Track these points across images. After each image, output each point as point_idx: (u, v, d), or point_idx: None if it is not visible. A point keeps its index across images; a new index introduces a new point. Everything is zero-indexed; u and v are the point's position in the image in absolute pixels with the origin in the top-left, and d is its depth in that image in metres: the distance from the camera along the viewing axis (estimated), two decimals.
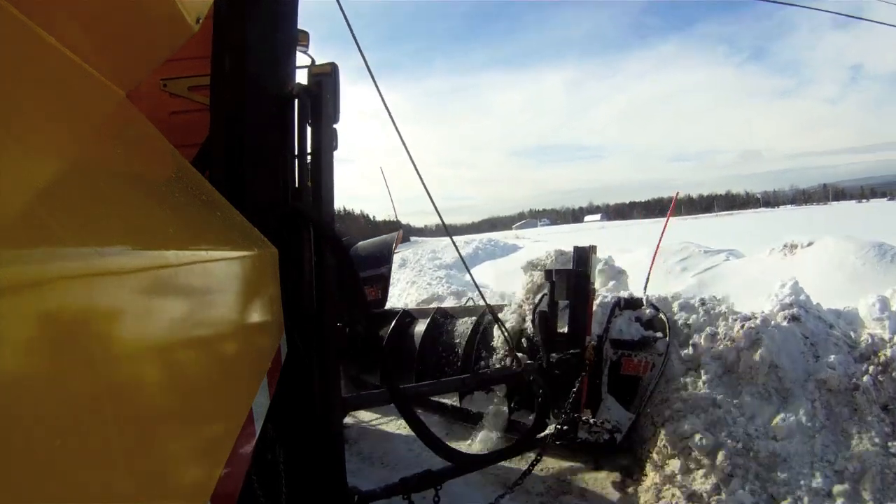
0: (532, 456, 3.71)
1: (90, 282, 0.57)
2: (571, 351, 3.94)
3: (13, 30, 0.80)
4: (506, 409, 4.68)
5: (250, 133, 2.46)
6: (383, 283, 7.66)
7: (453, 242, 4.18)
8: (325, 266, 2.62)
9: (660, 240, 5.37)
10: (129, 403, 0.65)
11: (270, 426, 1.97)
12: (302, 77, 2.77)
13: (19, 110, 0.72)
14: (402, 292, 9.72)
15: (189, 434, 0.87)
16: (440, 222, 3.44)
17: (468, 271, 4.19)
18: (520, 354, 4.34)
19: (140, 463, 0.66)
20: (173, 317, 0.84)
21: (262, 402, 1.44)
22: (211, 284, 1.06)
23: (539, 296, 4.79)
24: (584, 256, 4.14)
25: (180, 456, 0.83)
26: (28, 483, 0.44)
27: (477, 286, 4.21)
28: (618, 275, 5.72)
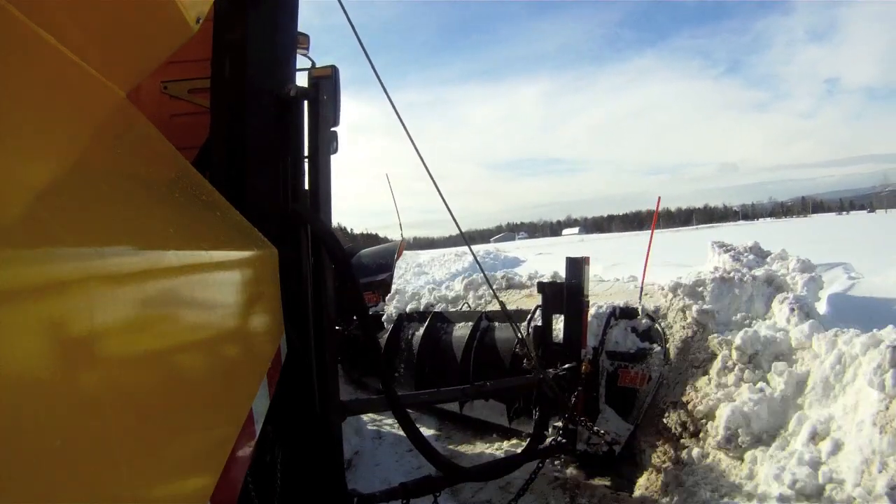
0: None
1: (91, 282, 0.57)
2: (567, 365, 3.89)
3: (13, 30, 0.80)
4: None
5: (250, 135, 2.46)
6: (384, 289, 7.78)
7: (472, 253, 4.16)
8: (323, 268, 2.61)
9: (649, 248, 5.33)
10: (128, 404, 0.64)
11: (270, 427, 1.97)
12: (302, 80, 2.77)
13: (19, 110, 0.71)
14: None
15: (189, 435, 0.87)
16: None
17: (487, 281, 4.17)
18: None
19: (139, 464, 0.66)
20: (174, 317, 0.83)
21: (262, 402, 1.43)
22: (211, 285, 1.06)
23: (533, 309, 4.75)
24: (576, 268, 4.04)
25: (180, 457, 0.82)
26: (28, 484, 0.44)
27: (497, 296, 4.14)
28: (811, 269, 4.69)
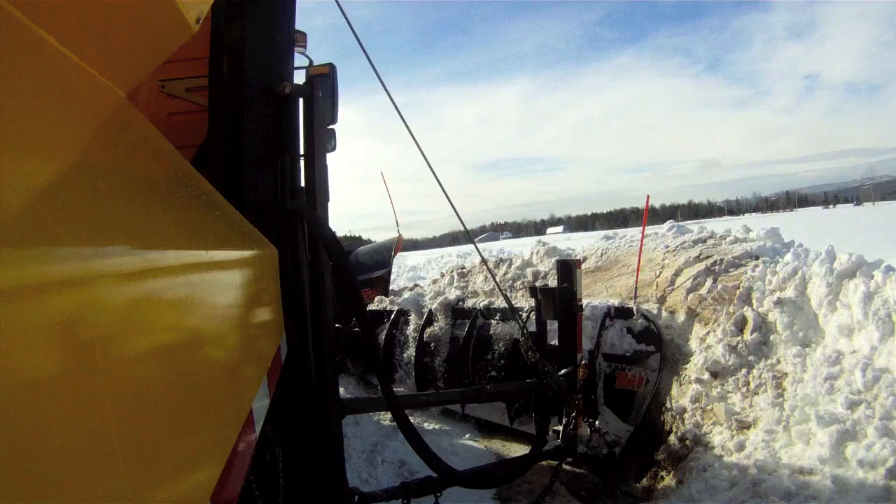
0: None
1: (90, 282, 0.57)
2: (563, 371, 3.84)
3: (13, 30, 0.80)
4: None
5: (248, 133, 2.46)
6: (383, 285, 7.85)
7: (478, 250, 4.15)
8: (321, 266, 2.62)
9: (640, 247, 5.33)
10: (128, 404, 0.64)
11: (270, 427, 1.97)
12: (301, 78, 2.76)
13: (19, 110, 0.71)
14: None
15: (189, 435, 0.87)
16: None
17: (494, 280, 4.17)
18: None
19: (139, 464, 0.66)
20: (173, 317, 0.83)
21: (262, 402, 1.43)
22: (211, 284, 1.06)
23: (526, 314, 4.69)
24: (568, 271, 3.92)
25: (180, 457, 0.82)
26: (27, 483, 0.44)
27: (508, 300, 4.10)
28: None
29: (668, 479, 3.72)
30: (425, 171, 3.03)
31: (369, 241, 10.02)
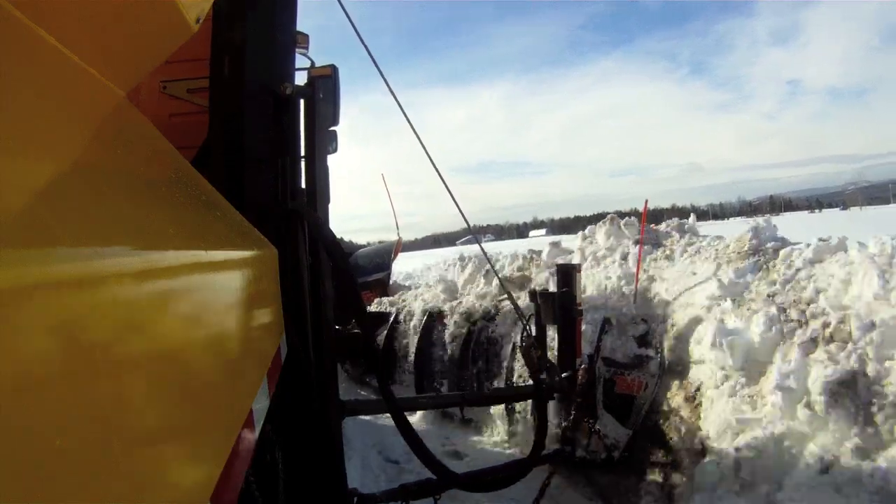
0: None
1: (90, 282, 0.57)
2: (563, 375, 3.80)
3: (13, 30, 0.80)
4: None
5: (248, 134, 2.46)
6: (382, 287, 7.89)
7: (485, 253, 4.15)
8: (321, 267, 2.62)
9: (640, 250, 5.32)
10: (128, 404, 0.64)
11: (269, 427, 1.97)
12: (303, 79, 2.77)
13: (19, 110, 0.71)
14: None
15: (189, 434, 0.87)
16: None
17: (500, 282, 4.17)
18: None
19: (139, 464, 0.66)
20: (173, 317, 0.83)
21: (262, 402, 1.43)
22: (211, 285, 1.06)
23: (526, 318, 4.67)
24: (568, 276, 3.91)
25: (179, 457, 0.82)
26: (27, 483, 0.44)
27: (513, 300, 4.07)
28: None
29: (668, 482, 3.71)
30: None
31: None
